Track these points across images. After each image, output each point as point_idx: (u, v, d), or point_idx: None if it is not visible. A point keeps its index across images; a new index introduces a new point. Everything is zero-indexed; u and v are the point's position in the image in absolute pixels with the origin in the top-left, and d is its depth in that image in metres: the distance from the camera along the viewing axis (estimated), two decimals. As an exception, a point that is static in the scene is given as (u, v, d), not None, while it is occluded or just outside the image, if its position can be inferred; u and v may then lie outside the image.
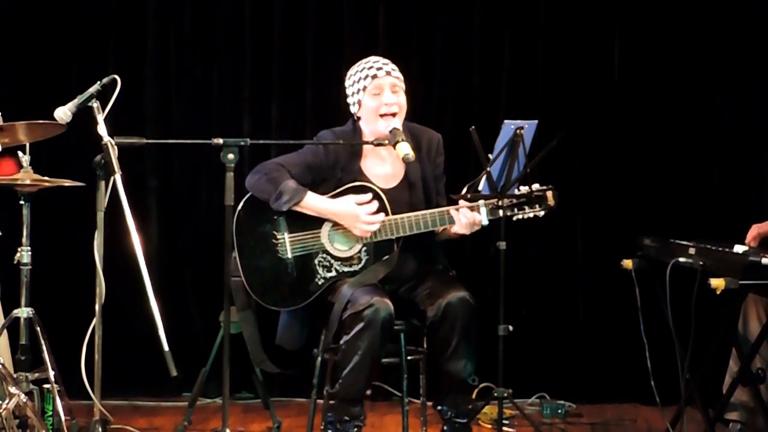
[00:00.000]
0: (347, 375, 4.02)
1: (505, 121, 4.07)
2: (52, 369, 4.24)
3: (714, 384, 4.62)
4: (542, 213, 4.19)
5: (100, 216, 3.74)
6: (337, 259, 4.21)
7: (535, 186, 4.15)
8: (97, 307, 3.73)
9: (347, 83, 4.30)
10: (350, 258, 4.21)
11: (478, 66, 5.70)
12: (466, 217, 4.10)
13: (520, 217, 4.18)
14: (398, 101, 4.23)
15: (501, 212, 4.12)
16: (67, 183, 4.32)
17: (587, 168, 5.66)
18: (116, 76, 3.75)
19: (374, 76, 4.21)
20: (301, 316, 4.26)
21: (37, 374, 4.26)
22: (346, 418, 4.06)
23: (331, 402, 4.13)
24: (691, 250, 4.08)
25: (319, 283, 4.20)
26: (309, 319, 4.26)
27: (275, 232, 4.21)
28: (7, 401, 3.92)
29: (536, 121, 4.12)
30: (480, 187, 4.11)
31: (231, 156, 3.73)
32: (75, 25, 5.70)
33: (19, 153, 4.25)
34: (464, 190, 4.16)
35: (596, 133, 5.65)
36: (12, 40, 5.67)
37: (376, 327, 3.95)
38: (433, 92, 5.72)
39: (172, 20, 5.74)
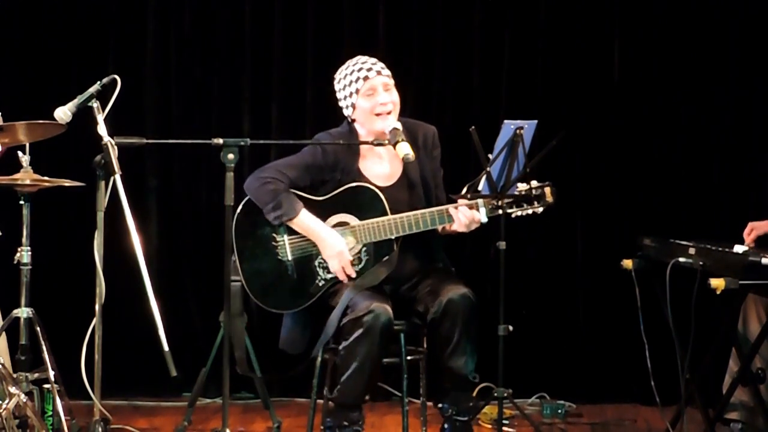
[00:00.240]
0: (346, 381, 4.01)
1: (505, 121, 4.07)
2: (52, 369, 4.24)
3: (714, 384, 4.61)
4: (541, 209, 4.19)
5: (100, 216, 3.74)
6: None
7: (534, 183, 4.15)
8: (97, 307, 3.73)
9: (337, 87, 4.29)
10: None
11: (478, 66, 5.70)
12: (465, 216, 4.10)
13: (519, 213, 4.18)
14: (392, 99, 4.23)
15: (500, 210, 4.12)
16: (67, 183, 4.32)
17: (587, 168, 5.66)
18: (116, 76, 3.75)
19: (366, 78, 4.20)
20: (303, 320, 4.26)
21: (37, 374, 4.26)
22: (345, 423, 4.06)
23: (330, 407, 4.13)
24: (691, 250, 4.08)
25: (320, 284, 4.20)
26: (311, 323, 4.25)
27: (275, 235, 4.21)
28: (7, 401, 3.92)
29: (536, 121, 4.11)
30: (480, 187, 4.11)
31: (231, 156, 3.73)
32: (75, 25, 5.70)
33: (19, 153, 4.25)
34: (464, 190, 4.16)
35: (596, 133, 5.65)
36: (12, 40, 5.67)
37: (375, 333, 3.95)
38: (433, 92, 5.72)
39: (172, 20, 5.74)
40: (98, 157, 3.70)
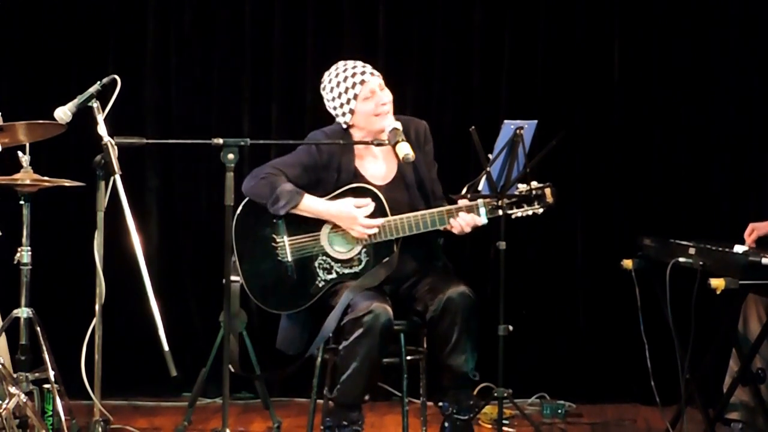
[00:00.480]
0: (345, 380, 4.02)
1: (505, 121, 4.07)
2: (52, 369, 4.24)
3: (714, 384, 4.62)
4: (541, 210, 4.19)
5: (100, 216, 3.74)
6: (337, 261, 4.21)
7: (534, 183, 4.15)
8: (97, 307, 3.73)
9: (330, 95, 4.22)
10: (350, 260, 4.20)
11: (478, 66, 5.70)
12: (465, 221, 4.10)
13: (519, 214, 4.18)
14: (390, 98, 4.23)
15: (500, 211, 4.12)
16: (67, 183, 4.32)
17: (587, 168, 5.66)
18: (116, 76, 3.75)
19: (362, 81, 4.18)
20: (302, 321, 4.26)
21: (37, 374, 4.26)
22: (345, 423, 4.06)
23: (330, 406, 4.13)
24: (691, 250, 4.08)
25: (320, 285, 4.20)
26: (310, 324, 4.26)
27: (274, 236, 4.21)
28: (7, 401, 3.92)
29: (536, 121, 4.12)
30: (480, 187, 4.11)
31: (231, 156, 3.73)
32: (75, 25, 5.70)
33: (19, 153, 4.25)
34: (464, 190, 4.17)
35: (596, 133, 5.65)
36: (12, 40, 5.67)
37: (375, 333, 3.95)
38: (433, 92, 5.72)
39: (172, 20, 5.74)
40: (98, 157, 3.70)
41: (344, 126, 4.26)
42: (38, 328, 4.26)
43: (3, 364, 4.04)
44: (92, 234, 3.74)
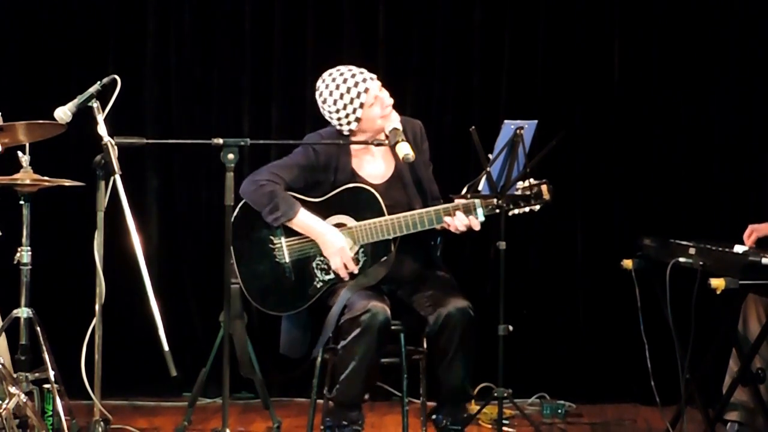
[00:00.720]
0: (344, 380, 4.02)
1: (505, 121, 4.07)
2: (52, 369, 4.24)
3: (714, 384, 4.61)
4: (537, 207, 4.19)
5: (100, 216, 3.74)
6: None
7: (530, 180, 4.15)
8: (97, 307, 3.73)
9: (333, 107, 4.16)
10: (347, 260, 4.21)
11: (478, 66, 5.70)
12: (461, 221, 4.10)
13: (516, 211, 4.17)
14: (391, 100, 4.23)
15: (498, 209, 4.11)
16: (67, 183, 4.32)
17: (587, 168, 5.66)
18: (116, 76, 3.75)
19: (366, 89, 4.16)
20: (303, 323, 4.27)
21: (37, 374, 4.25)
22: (344, 422, 4.06)
23: (330, 406, 4.13)
24: (691, 250, 4.08)
25: (318, 286, 4.20)
26: (311, 326, 4.25)
27: (272, 237, 4.20)
28: (7, 401, 3.92)
29: (536, 121, 4.11)
30: (480, 187, 4.11)
31: (231, 156, 3.73)
32: (75, 25, 5.70)
33: (19, 153, 4.25)
34: (464, 190, 4.16)
35: (596, 133, 5.65)
36: (12, 40, 5.67)
37: (373, 332, 3.95)
38: (433, 92, 5.72)
39: (172, 20, 5.74)
40: (98, 157, 3.70)
41: (346, 133, 4.23)
42: (38, 328, 4.26)
43: (3, 364, 4.04)
44: (92, 234, 3.74)
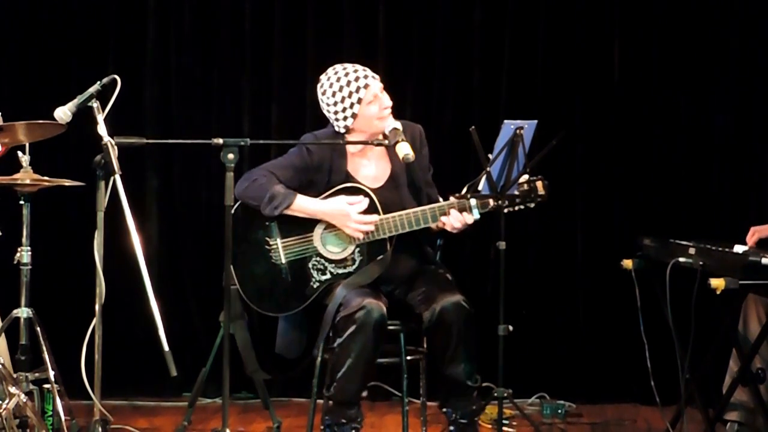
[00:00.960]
0: (341, 378, 4.01)
1: (505, 121, 4.07)
2: (52, 369, 4.24)
3: (714, 384, 4.62)
4: (533, 204, 4.19)
5: (100, 216, 3.74)
6: (330, 261, 4.20)
7: (524, 177, 4.14)
8: (97, 307, 3.73)
9: (330, 101, 4.17)
10: (344, 260, 4.20)
11: (478, 66, 5.70)
12: (456, 219, 4.10)
13: (511, 209, 4.17)
14: (390, 102, 4.23)
15: (492, 206, 4.11)
16: (67, 183, 4.32)
17: (587, 168, 5.66)
18: (116, 76, 3.75)
19: (366, 86, 4.16)
20: (299, 323, 4.26)
21: (37, 374, 4.26)
22: (343, 420, 4.06)
23: (329, 405, 4.13)
24: (691, 250, 4.08)
25: (315, 286, 4.20)
26: (307, 326, 4.25)
27: (268, 238, 4.20)
28: (7, 401, 3.93)
29: (536, 121, 4.11)
30: (480, 187, 4.11)
31: (231, 156, 3.73)
32: (75, 25, 5.70)
33: (19, 153, 4.25)
34: (464, 190, 4.16)
35: (596, 133, 5.65)
36: (12, 40, 5.67)
37: (368, 329, 3.95)
38: (433, 92, 5.72)
39: (172, 20, 5.75)
40: (98, 157, 3.70)
41: (342, 130, 4.23)
42: (38, 328, 4.26)
43: (3, 364, 4.04)
44: (92, 234, 3.74)
